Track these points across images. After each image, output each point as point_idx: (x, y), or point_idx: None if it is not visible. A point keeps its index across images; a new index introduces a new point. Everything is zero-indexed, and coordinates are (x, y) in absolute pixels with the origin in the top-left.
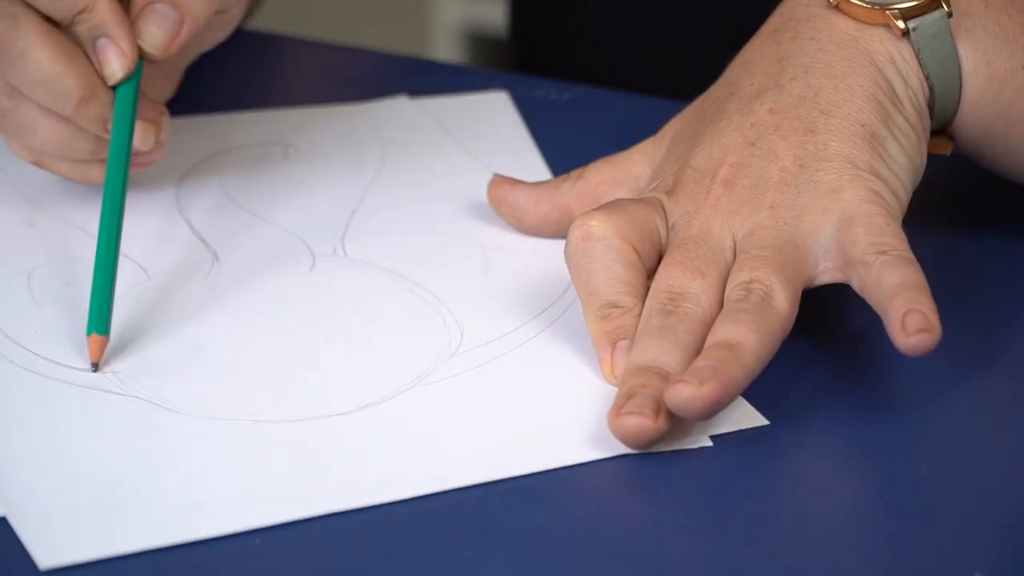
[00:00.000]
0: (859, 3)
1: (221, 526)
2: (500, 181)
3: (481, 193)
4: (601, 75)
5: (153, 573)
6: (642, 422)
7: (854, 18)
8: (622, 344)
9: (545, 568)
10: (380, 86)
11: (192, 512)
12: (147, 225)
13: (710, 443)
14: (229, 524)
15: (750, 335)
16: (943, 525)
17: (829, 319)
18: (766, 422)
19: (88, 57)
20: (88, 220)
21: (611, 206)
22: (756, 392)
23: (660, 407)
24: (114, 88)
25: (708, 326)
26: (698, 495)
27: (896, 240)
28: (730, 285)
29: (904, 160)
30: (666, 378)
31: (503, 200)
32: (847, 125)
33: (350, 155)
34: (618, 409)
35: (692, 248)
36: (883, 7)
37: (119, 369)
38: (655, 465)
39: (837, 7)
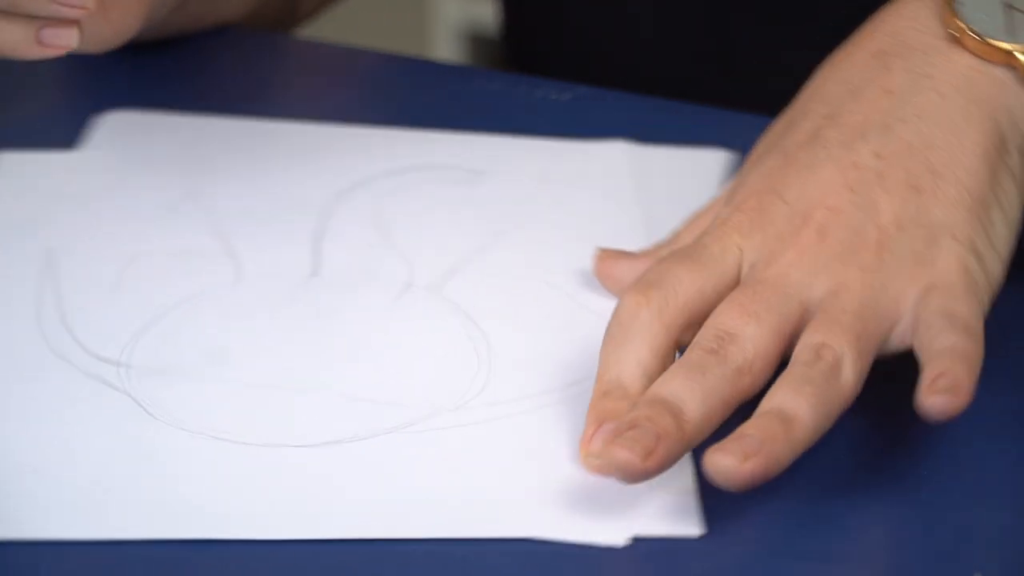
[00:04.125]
0: (981, 39)
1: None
2: (605, 256)
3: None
4: (595, 75)
5: (152, 573)
6: (631, 459)
7: (974, 54)
8: (607, 426)
9: (544, 568)
10: (380, 86)
11: (162, 512)
12: (271, 225)
13: (624, 543)
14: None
15: (809, 410)
16: (943, 525)
17: None
18: (699, 533)
19: None
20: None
21: (669, 279)
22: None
23: (656, 448)
24: None
25: (746, 377)
26: (698, 495)
27: (968, 311)
28: (800, 345)
29: (1004, 229)
30: (678, 417)
31: (609, 275)
32: (955, 192)
33: (517, 191)
34: (614, 434)
35: (760, 291)
36: (1007, 51)
37: (131, 364)
38: None
39: (958, 41)
